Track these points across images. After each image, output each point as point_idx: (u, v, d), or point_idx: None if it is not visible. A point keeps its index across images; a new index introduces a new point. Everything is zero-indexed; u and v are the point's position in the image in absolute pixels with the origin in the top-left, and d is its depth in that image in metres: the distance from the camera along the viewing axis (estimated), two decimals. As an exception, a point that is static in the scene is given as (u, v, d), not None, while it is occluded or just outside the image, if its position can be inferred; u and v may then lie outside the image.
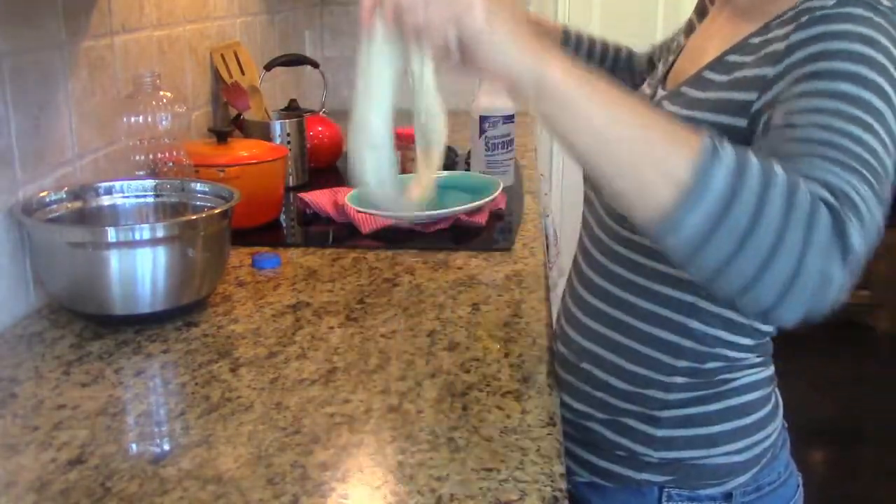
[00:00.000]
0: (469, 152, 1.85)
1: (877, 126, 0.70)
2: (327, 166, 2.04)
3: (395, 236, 1.45)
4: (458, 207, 1.50)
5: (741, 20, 0.88)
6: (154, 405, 0.93)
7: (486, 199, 1.54)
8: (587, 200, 1.01)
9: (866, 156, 0.68)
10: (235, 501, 0.74)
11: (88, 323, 1.12)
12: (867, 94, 0.70)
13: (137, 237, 1.05)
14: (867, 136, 0.69)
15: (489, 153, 1.78)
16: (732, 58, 0.84)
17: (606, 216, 0.94)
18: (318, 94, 2.38)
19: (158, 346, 1.06)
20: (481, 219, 1.52)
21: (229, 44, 1.96)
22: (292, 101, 2.15)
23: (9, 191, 1.13)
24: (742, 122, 0.79)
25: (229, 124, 1.89)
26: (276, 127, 1.83)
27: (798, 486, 1.00)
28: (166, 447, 0.84)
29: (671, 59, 1.00)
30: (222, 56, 1.90)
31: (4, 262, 1.12)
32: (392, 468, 0.79)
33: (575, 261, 1.04)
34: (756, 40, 0.83)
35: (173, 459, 0.81)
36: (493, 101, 1.78)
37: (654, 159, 0.64)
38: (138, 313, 1.09)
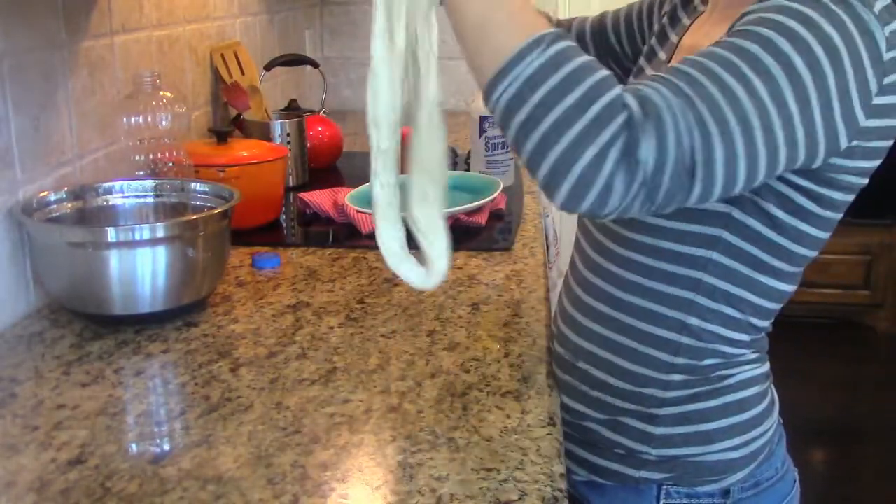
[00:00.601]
0: (469, 152, 1.85)
1: (760, 89, 0.71)
2: (327, 166, 2.04)
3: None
4: (458, 207, 1.50)
5: (730, 18, 0.89)
6: (154, 405, 0.93)
7: (486, 199, 1.54)
8: None
9: (719, 99, 0.70)
10: (235, 501, 0.74)
11: (88, 323, 1.12)
12: (770, 60, 0.72)
13: (137, 237, 1.05)
14: (737, 88, 0.71)
15: (489, 153, 1.79)
16: None
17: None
18: (318, 94, 2.38)
19: (158, 346, 1.06)
20: (481, 219, 1.52)
21: (229, 44, 1.96)
22: (292, 101, 2.15)
23: (9, 191, 1.13)
24: None
25: (229, 124, 1.89)
26: (276, 127, 1.83)
27: (795, 481, 1.01)
28: (166, 447, 0.84)
29: (664, 56, 1.00)
30: (222, 56, 1.90)
31: (4, 262, 1.12)
32: (392, 468, 0.79)
33: (571, 260, 1.04)
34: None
35: (173, 459, 0.81)
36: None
37: (497, 37, 0.73)
38: (138, 313, 1.09)
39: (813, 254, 0.89)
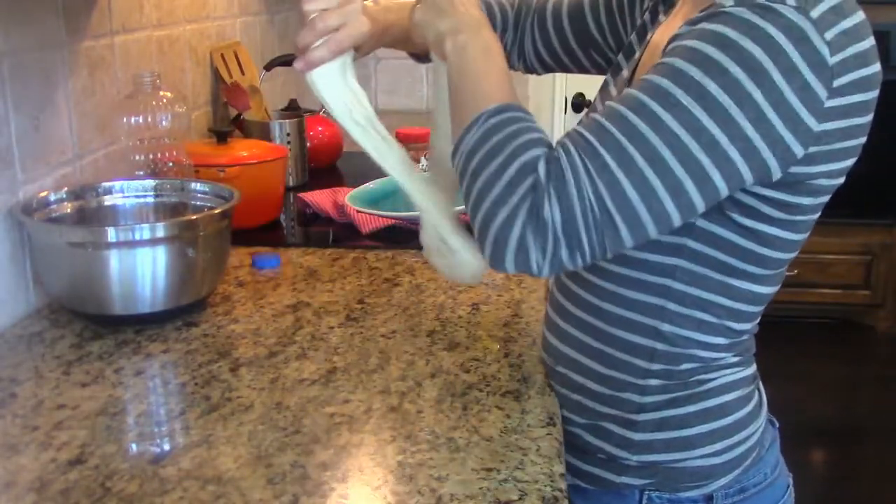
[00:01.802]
0: (469, 152, 1.85)
1: (670, 122, 0.74)
2: (327, 166, 2.04)
3: (395, 236, 1.45)
4: (459, 207, 1.50)
5: (691, 14, 0.89)
6: (154, 405, 0.93)
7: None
8: None
9: (624, 142, 0.75)
10: (235, 501, 0.74)
11: (88, 323, 1.12)
12: (679, 93, 0.74)
13: (137, 237, 1.05)
14: (643, 127, 0.75)
15: (489, 153, 1.78)
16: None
17: None
18: (318, 94, 2.37)
19: (158, 346, 1.06)
20: (481, 219, 1.52)
21: (229, 44, 1.96)
22: (292, 101, 2.15)
23: (9, 191, 1.13)
24: None
25: (229, 124, 1.89)
26: (276, 127, 1.83)
27: (788, 486, 0.99)
28: (166, 447, 0.84)
29: (637, 56, 1.00)
30: (222, 56, 1.90)
31: (4, 262, 1.12)
32: (392, 468, 0.79)
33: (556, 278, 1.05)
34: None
35: (173, 459, 0.81)
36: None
37: (463, 111, 0.84)
38: (138, 313, 1.09)
39: (789, 256, 0.88)
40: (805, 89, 0.74)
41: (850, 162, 0.83)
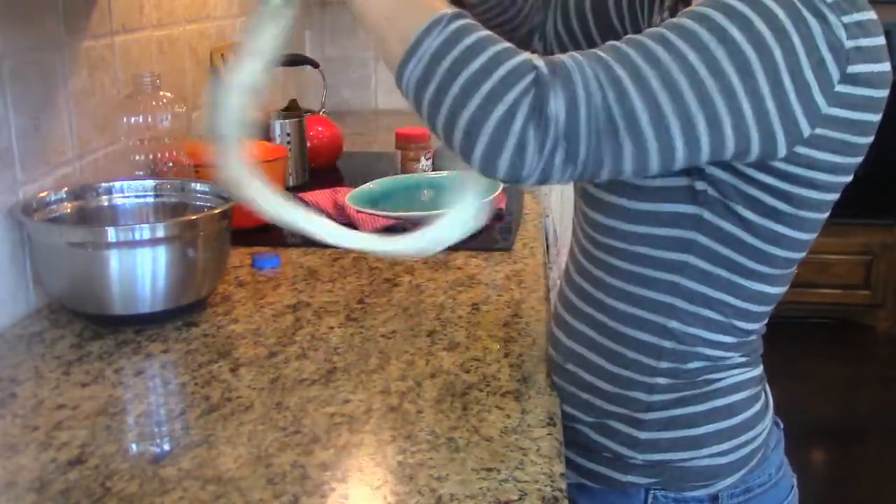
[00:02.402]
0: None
1: (692, 57, 0.72)
2: (327, 166, 2.04)
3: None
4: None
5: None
6: (154, 405, 0.93)
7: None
8: (575, 207, 1.01)
9: (639, 62, 0.72)
10: (235, 501, 0.74)
11: (88, 323, 1.12)
12: (706, 35, 0.72)
13: (137, 237, 1.05)
14: (662, 53, 0.72)
15: (489, 153, 1.78)
16: None
17: (585, 223, 0.94)
18: (318, 94, 2.38)
19: (158, 346, 1.06)
20: (481, 219, 1.52)
21: (229, 44, 1.96)
22: (292, 101, 2.15)
23: (9, 191, 1.13)
24: None
25: (229, 124, 1.89)
26: (276, 127, 1.83)
27: (792, 487, 0.99)
28: (166, 447, 0.84)
29: None
30: (222, 56, 1.90)
31: (4, 262, 1.12)
32: (392, 468, 0.79)
33: (566, 265, 1.05)
34: None
35: (173, 459, 0.81)
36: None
37: (400, 25, 0.75)
38: (138, 313, 1.09)
39: (796, 255, 0.87)
40: (820, 66, 0.74)
41: (856, 160, 0.82)
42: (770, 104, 0.73)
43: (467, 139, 0.73)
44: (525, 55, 0.73)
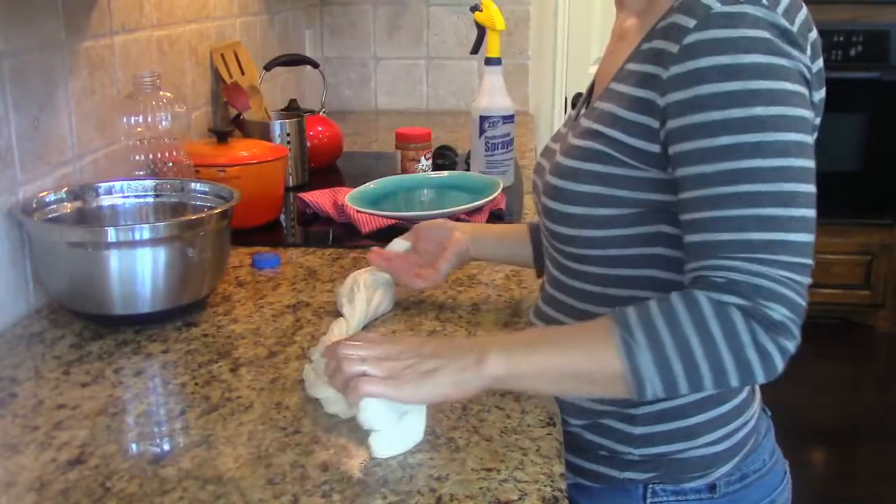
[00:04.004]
0: (469, 152, 1.85)
1: (757, 164, 0.76)
2: (327, 166, 2.04)
3: (395, 236, 1.44)
4: (458, 207, 1.50)
5: (634, 25, 0.91)
6: (154, 405, 0.93)
7: (486, 199, 1.54)
8: (541, 226, 1.02)
9: (745, 212, 0.76)
10: (235, 501, 0.74)
11: (88, 323, 1.12)
12: (744, 138, 0.76)
13: (137, 237, 1.05)
14: (747, 188, 0.76)
15: (489, 153, 1.79)
16: (630, 66, 0.87)
17: (551, 237, 0.95)
18: (318, 94, 2.38)
19: (158, 346, 1.06)
20: (481, 219, 1.52)
21: (229, 44, 1.96)
22: (292, 101, 2.15)
23: (9, 191, 1.13)
24: (655, 148, 0.83)
25: (229, 124, 1.89)
26: (276, 127, 1.83)
27: (785, 473, 1.01)
28: (166, 447, 0.84)
29: (593, 71, 1.01)
30: (222, 56, 1.90)
31: (4, 262, 1.12)
32: (392, 468, 0.79)
33: (542, 280, 1.05)
34: (645, 47, 0.85)
35: (173, 459, 0.81)
36: (494, 101, 1.78)
37: (598, 373, 0.78)
38: (138, 313, 1.09)
39: None
40: (796, 62, 0.79)
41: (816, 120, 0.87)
42: (806, 111, 0.79)
43: (742, 383, 0.78)
44: (703, 299, 0.76)
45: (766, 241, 0.75)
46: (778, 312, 0.75)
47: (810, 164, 0.78)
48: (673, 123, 0.80)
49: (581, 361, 0.78)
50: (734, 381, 0.76)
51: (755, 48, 0.76)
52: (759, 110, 0.76)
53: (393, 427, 0.80)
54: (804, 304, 0.77)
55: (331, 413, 0.88)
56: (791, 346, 0.76)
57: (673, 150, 0.81)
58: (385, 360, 0.80)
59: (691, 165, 0.79)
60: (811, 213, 0.77)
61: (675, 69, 0.79)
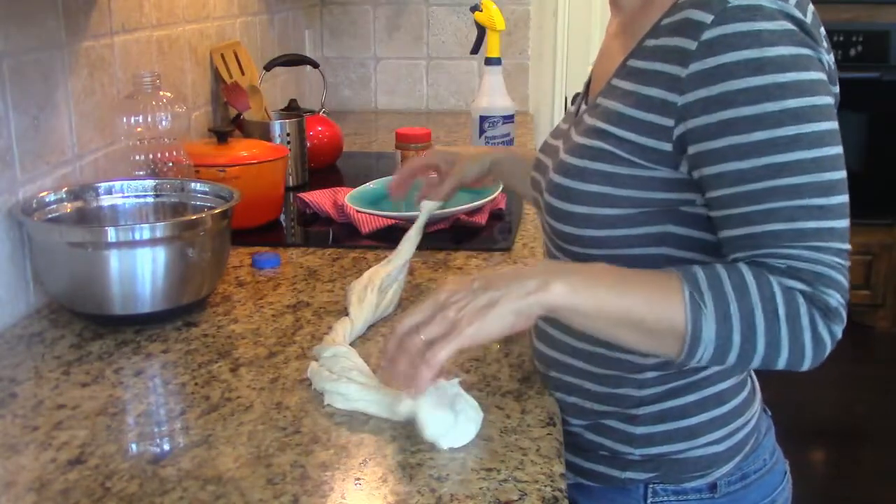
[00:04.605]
0: (469, 152, 1.85)
1: (797, 156, 0.76)
2: (327, 166, 2.04)
3: (395, 236, 1.44)
4: (458, 207, 1.50)
5: (631, 22, 0.91)
6: (154, 405, 0.93)
7: (486, 199, 1.54)
8: (542, 225, 1.01)
9: (788, 204, 0.77)
10: (235, 501, 0.74)
11: (88, 323, 1.12)
12: (779, 132, 0.76)
13: (137, 237, 1.05)
14: (789, 181, 0.76)
15: (489, 153, 1.78)
16: (635, 63, 0.86)
17: (553, 236, 0.95)
18: (318, 94, 2.38)
19: (158, 346, 1.06)
20: (481, 219, 1.52)
21: (229, 44, 1.96)
22: (292, 101, 2.15)
23: (9, 191, 1.13)
24: (666, 146, 0.82)
25: (229, 124, 1.89)
26: (276, 127, 1.83)
27: (786, 472, 1.01)
28: (166, 447, 0.84)
29: (590, 68, 1.01)
30: (222, 56, 1.90)
31: (4, 262, 1.12)
32: (392, 468, 0.79)
33: None
34: (651, 43, 0.84)
35: (173, 459, 0.81)
36: (493, 101, 1.78)
37: (655, 325, 0.78)
38: (138, 313, 1.09)
39: None
40: (817, 52, 0.79)
41: None
42: (830, 98, 0.79)
43: (793, 367, 0.80)
44: (773, 281, 0.76)
45: (816, 230, 0.76)
46: (834, 299, 0.77)
47: (841, 150, 0.78)
48: (696, 122, 0.79)
49: (644, 311, 0.77)
50: (782, 363, 0.78)
51: (778, 40, 0.76)
52: (791, 102, 0.76)
53: (451, 425, 0.82)
54: (849, 287, 0.79)
55: (350, 409, 0.89)
56: (841, 331, 0.78)
57: (696, 148, 0.80)
58: (437, 316, 0.78)
59: (724, 163, 0.78)
60: (847, 198, 0.78)
61: (696, 66, 0.78)
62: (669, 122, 0.81)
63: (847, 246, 0.78)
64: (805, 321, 0.76)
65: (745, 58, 0.76)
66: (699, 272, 0.77)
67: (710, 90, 0.78)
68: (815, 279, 0.76)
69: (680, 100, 0.80)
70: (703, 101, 0.78)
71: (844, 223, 0.78)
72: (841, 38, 3.34)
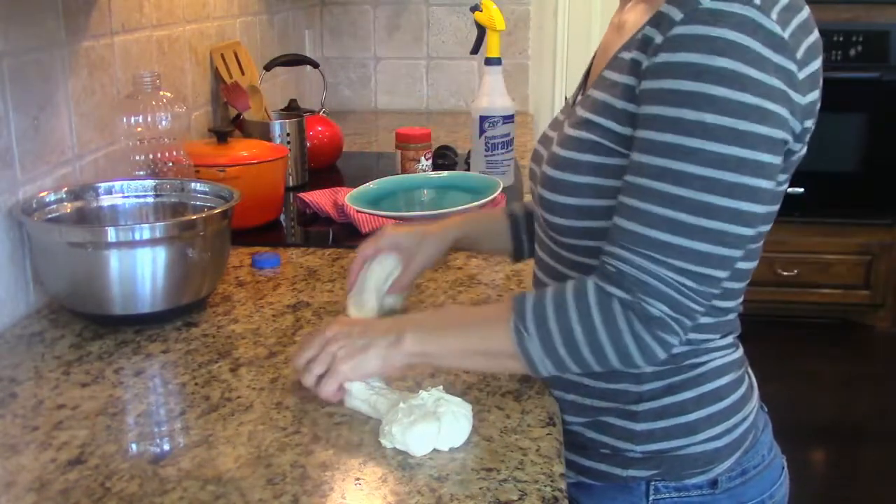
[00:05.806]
0: (469, 152, 1.85)
1: (691, 170, 0.77)
2: (327, 166, 2.04)
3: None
4: (458, 207, 1.50)
5: (635, 15, 0.91)
6: (154, 405, 0.93)
7: (486, 199, 1.54)
8: (536, 217, 1.02)
9: (659, 210, 0.79)
10: (235, 501, 0.74)
11: (88, 323, 1.12)
12: (686, 140, 0.77)
13: (137, 237, 1.05)
14: (673, 189, 0.78)
15: (489, 153, 1.78)
16: (622, 54, 0.87)
17: (547, 227, 0.95)
18: (318, 94, 2.38)
19: (158, 346, 1.06)
20: (481, 219, 1.52)
21: (229, 44, 1.96)
22: (292, 101, 2.15)
23: (9, 191, 1.13)
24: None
25: (229, 124, 1.89)
26: (276, 127, 1.83)
27: (783, 467, 1.01)
28: (166, 447, 0.84)
29: (591, 60, 1.01)
30: (222, 56, 1.90)
31: (4, 262, 1.12)
32: (392, 468, 0.79)
33: (534, 276, 1.05)
34: (638, 35, 0.86)
35: (173, 459, 0.81)
36: (493, 101, 1.78)
37: (496, 354, 0.87)
38: (138, 313, 1.09)
39: (765, 228, 0.90)
40: (779, 70, 0.78)
41: (810, 123, 0.86)
42: (775, 132, 0.79)
43: (626, 367, 0.84)
44: (590, 286, 0.82)
45: (664, 243, 0.79)
46: (656, 308, 0.80)
47: (752, 181, 0.78)
48: (640, 111, 0.82)
49: (483, 345, 0.87)
50: (615, 364, 0.83)
51: (731, 52, 0.76)
52: (709, 118, 0.76)
53: (435, 434, 0.82)
54: (697, 308, 0.81)
55: (352, 407, 0.90)
56: (673, 339, 0.81)
57: (634, 135, 0.83)
58: (322, 352, 0.90)
59: (635, 153, 0.81)
60: (733, 228, 0.79)
61: (656, 59, 0.80)
62: (634, 109, 0.83)
63: (710, 272, 0.79)
64: (622, 325, 0.81)
65: (689, 61, 0.77)
66: (528, 299, 0.85)
67: (653, 83, 0.80)
68: (637, 288, 0.80)
69: (638, 88, 0.82)
70: (647, 93, 0.81)
71: (712, 249, 0.79)
72: (841, 38, 3.33)
